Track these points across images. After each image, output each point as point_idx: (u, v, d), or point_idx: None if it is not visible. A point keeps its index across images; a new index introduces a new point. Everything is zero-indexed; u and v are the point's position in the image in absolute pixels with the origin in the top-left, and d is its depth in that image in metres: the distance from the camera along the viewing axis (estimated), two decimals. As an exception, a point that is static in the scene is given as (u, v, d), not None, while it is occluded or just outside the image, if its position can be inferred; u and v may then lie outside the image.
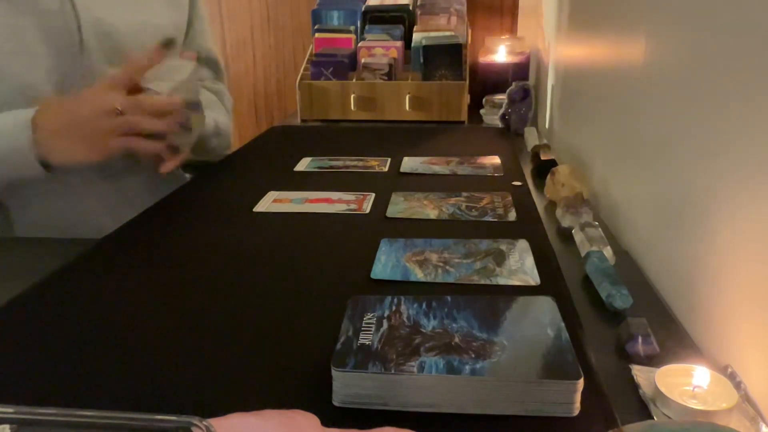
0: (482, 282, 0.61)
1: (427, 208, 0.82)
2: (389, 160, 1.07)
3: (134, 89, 0.79)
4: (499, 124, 1.39)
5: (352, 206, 0.84)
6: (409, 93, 1.54)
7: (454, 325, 0.48)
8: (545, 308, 0.51)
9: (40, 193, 0.85)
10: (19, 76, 0.78)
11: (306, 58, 1.68)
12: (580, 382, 0.41)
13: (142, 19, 0.90)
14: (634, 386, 0.47)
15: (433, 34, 1.62)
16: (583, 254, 0.69)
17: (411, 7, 1.77)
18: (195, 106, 0.87)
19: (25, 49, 0.78)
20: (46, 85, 0.81)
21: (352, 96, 1.55)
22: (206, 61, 1.10)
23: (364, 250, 0.68)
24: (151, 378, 0.47)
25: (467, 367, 0.42)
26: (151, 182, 0.98)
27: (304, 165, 1.06)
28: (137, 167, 0.98)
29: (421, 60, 1.55)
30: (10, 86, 0.78)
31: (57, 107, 0.77)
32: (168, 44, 0.80)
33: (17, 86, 0.78)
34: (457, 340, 0.46)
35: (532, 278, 0.61)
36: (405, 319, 0.49)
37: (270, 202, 0.86)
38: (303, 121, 1.60)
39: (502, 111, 1.37)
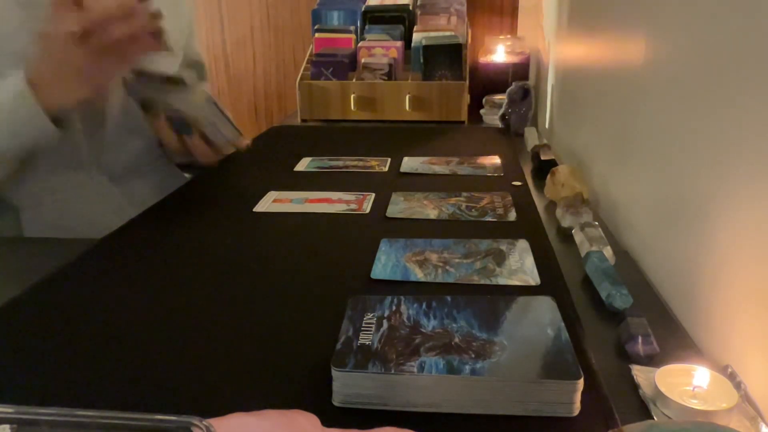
0: (482, 282, 0.61)
1: (427, 208, 0.82)
2: (389, 160, 1.07)
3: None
4: (499, 124, 1.39)
5: (352, 206, 0.84)
6: (409, 93, 1.54)
7: (454, 325, 0.48)
8: (545, 308, 0.51)
9: (49, 194, 0.86)
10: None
11: (306, 58, 1.68)
12: (580, 382, 0.41)
13: None
14: (634, 386, 0.47)
15: (433, 34, 1.62)
16: (583, 254, 0.69)
17: (411, 7, 1.77)
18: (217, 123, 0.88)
19: None
20: None
21: (352, 96, 1.55)
22: (194, 65, 1.12)
23: (364, 250, 0.68)
24: (151, 378, 0.47)
25: (467, 367, 0.42)
26: (158, 184, 0.99)
27: (304, 165, 1.06)
28: (144, 169, 0.99)
29: (421, 60, 1.55)
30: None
31: (37, 60, 0.76)
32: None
33: None
34: (457, 340, 0.46)
35: (532, 278, 0.61)
36: (405, 319, 0.49)
37: (270, 202, 0.86)
38: (303, 121, 1.60)
39: (502, 111, 1.37)
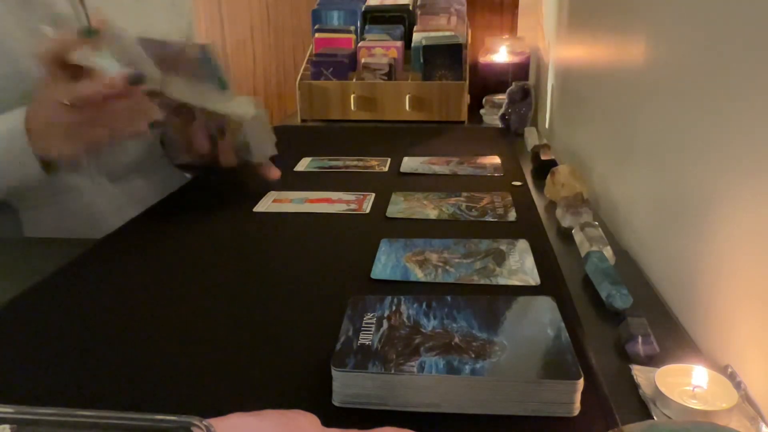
0: (482, 282, 0.61)
1: (427, 208, 0.82)
2: (389, 160, 1.07)
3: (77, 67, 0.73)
4: (499, 124, 1.39)
5: (352, 206, 0.84)
6: (409, 93, 1.54)
7: (454, 325, 0.48)
8: (545, 308, 0.51)
9: (48, 195, 0.86)
10: (40, 78, 0.79)
11: (306, 58, 1.68)
12: (580, 382, 0.41)
13: (148, 22, 0.92)
14: (634, 386, 0.47)
15: (433, 34, 1.62)
16: (583, 254, 0.69)
17: (411, 7, 1.77)
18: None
19: None
20: None
21: (352, 96, 1.55)
22: None
23: (364, 250, 0.68)
24: (151, 378, 0.47)
25: (467, 367, 0.42)
26: (158, 184, 0.99)
27: (304, 165, 1.06)
28: (145, 169, 0.99)
29: (421, 60, 1.55)
30: (33, 88, 0.79)
31: (35, 107, 0.76)
32: (89, 34, 0.74)
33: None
34: (457, 340, 0.46)
35: (532, 278, 0.61)
36: (405, 319, 0.49)
37: (270, 202, 0.86)
38: (303, 121, 1.60)
39: (502, 111, 1.37)
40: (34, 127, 0.74)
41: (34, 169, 0.75)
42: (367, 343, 0.45)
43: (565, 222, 0.80)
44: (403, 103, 1.54)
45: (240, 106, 0.84)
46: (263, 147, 0.88)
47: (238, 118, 0.82)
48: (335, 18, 1.76)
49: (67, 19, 0.81)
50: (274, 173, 0.92)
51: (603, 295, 0.60)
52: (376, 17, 1.73)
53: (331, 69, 1.57)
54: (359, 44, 1.62)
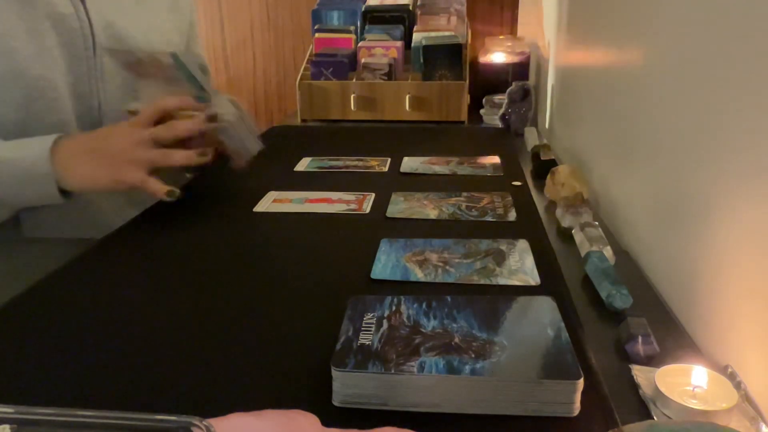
0: (482, 282, 0.61)
1: (427, 208, 0.82)
2: (389, 160, 1.07)
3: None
4: (499, 124, 1.39)
5: (352, 206, 0.84)
6: (409, 93, 1.54)
7: (454, 325, 0.48)
8: (545, 308, 0.51)
9: None
10: (41, 78, 0.79)
11: (306, 58, 1.68)
12: (580, 382, 0.41)
13: (148, 22, 0.92)
14: (634, 386, 0.47)
15: (433, 34, 1.62)
16: (583, 254, 0.69)
17: (411, 7, 1.77)
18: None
19: (45, 52, 0.79)
20: (64, 86, 0.82)
21: (352, 96, 1.55)
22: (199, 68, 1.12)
23: (364, 250, 0.68)
24: (151, 378, 0.47)
25: (467, 367, 0.42)
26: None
27: (304, 165, 1.06)
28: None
29: (421, 60, 1.55)
30: (34, 87, 0.79)
31: (84, 135, 0.79)
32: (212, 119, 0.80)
33: (39, 87, 0.79)
34: (457, 340, 0.46)
35: (532, 278, 0.61)
36: (405, 319, 0.49)
37: (270, 202, 0.86)
38: (303, 121, 1.60)
39: (502, 111, 1.37)
40: (73, 152, 0.76)
41: (54, 194, 0.76)
42: (367, 343, 0.45)
43: (565, 222, 0.80)
44: (403, 103, 1.54)
45: (220, 106, 0.85)
46: (248, 145, 0.89)
47: (219, 117, 0.84)
48: (335, 18, 1.76)
49: (68, 18, 0.81)
50: (241, 164, 0.92)
51: (603, 295, 0.60)
52: (376, 17, 1.73)
53: (331, 69, 1.57)
54: (359, 44, 1.62)
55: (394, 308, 0.50)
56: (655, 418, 0.44)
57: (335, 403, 0.43)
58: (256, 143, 0.91)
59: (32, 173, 0.74)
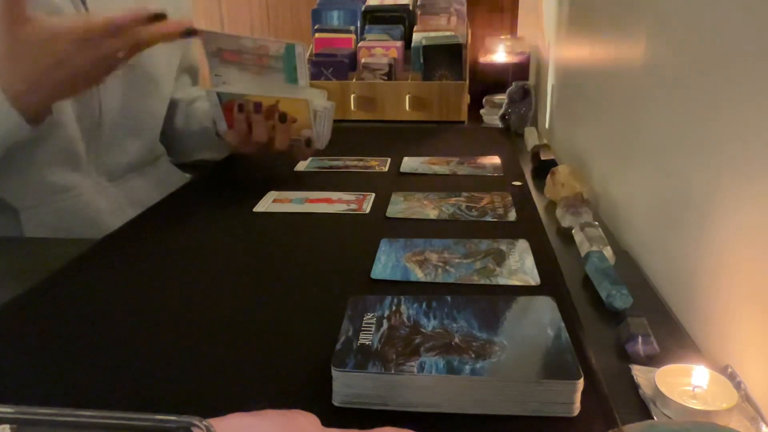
0: (482, 282, 0.61)
1: (427, 208, 0.82)
2: (389, 160, 1.07)
3: None
4: (499, 124, 1.39)
5: (352, 206, 0.84)
6: (409, 93, 1.54)
7: (454, 325, 0.48)
8: (545, 308, 0.51)
9: (48, 195, 0.86)
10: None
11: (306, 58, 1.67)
12: (580, 382, 0.41)
13: None
14: (634, 386, 0.47)
15: (433, 34, 1.61)
16: (583, 254, 0.69)
17: (411, 7, 1.76)
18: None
19: None
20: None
21: (352, 96, 1.55)
22: (188, 69, 1.14)
23: (364, 250, 0.68)
24: (151, 378, 0.47)
25: (467, 367, 0.42)
26: (158, 184, 0.99)
27: (304, 165, 1.06)
28: (145, 169, 0.99)
29: (421, 60, 1.55)
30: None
31: (21, 58, 0.71)
32: (158, 18, 0.77)
33: None
34: (457, 340, 0.46)
35: (532, 278, 0.61)
36: (405, 319, 0.49)
37: (270, 202, 0.86)
38: (303, 120, 1.60)
39: (502, 111, 1.37)
40: (23, 78, 0.71)
41: (18, 123, 0.72)
42: (367, 343, 0.45)
43: (565, 222, 0.80)
44: (403, 103, 1.54)
45: (315, 97, 0.93)
46: (327, 135, 0.96)
47: (313, 107, 0.91)
48: (335, 18, 1.76)
49: (66, 14, 0.81)
50: (310, 153, 0.97)
51: (603, 295, 0.60)
52: (376, 17, 1.73)
53: (331, 69, 1.57)
54: (359, 44, 1.62)
55: (394, 308, 0.50)
56: (655, 418, 0.44)
57: (335, 403, 0.43)
58: (328, 138, 0.97)
59: None
